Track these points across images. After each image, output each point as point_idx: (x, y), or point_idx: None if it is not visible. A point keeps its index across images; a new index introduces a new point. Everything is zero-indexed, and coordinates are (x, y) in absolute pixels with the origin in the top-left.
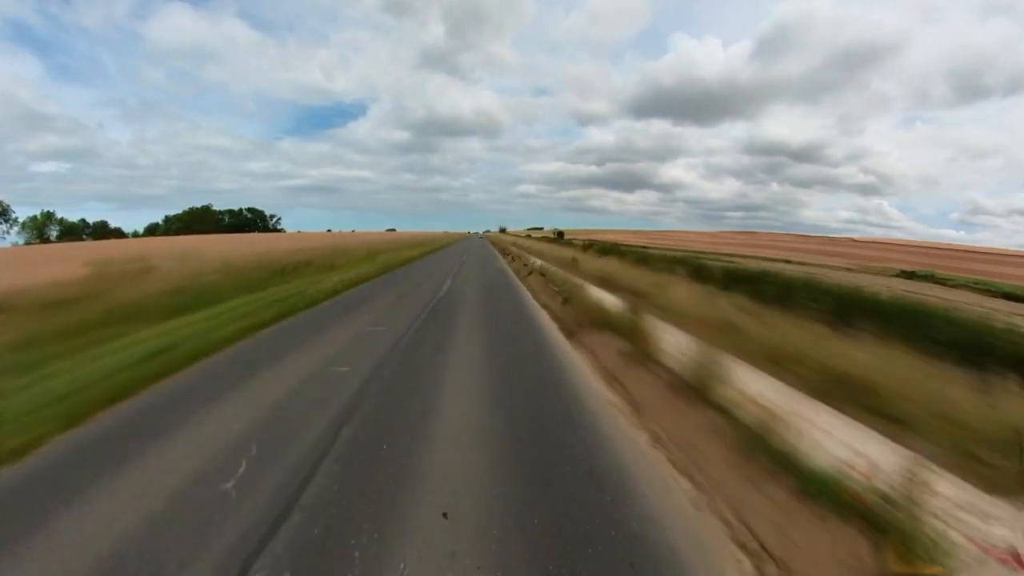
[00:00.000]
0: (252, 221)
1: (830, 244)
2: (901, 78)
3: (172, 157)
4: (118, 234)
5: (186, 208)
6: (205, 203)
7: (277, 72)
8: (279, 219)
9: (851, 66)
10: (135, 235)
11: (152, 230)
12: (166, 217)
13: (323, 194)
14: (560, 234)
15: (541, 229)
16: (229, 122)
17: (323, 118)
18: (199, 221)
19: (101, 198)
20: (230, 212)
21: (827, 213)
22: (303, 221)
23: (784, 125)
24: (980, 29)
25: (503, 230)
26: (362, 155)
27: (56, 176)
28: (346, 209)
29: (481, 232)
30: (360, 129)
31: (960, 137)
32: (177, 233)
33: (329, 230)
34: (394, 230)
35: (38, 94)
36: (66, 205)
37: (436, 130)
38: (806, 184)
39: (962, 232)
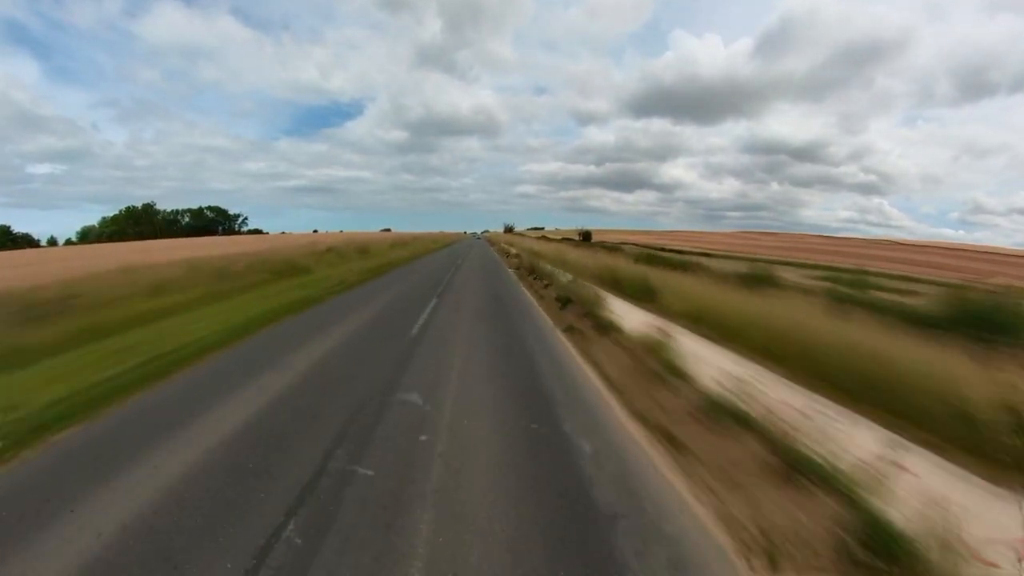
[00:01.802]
0: (214, 222)
1: (871, 247)
2: (905, 75)
3: (169, 158)
4: (28, 242)
5: (124, 208)
6: (203, 203)
7: (273, 71)
8: (245, 219)
9: (854, 64)
10: (51, 243)
11: (85, 235)
12: (103, 218)
13: (321, 195)
14: (587, 235)
15: (541, 229)
16: (226, 122)
17: (320, 118)
18: (139, 223)
19: (98, 199)
20: (190, 211)
21: (827, 213)
22: (302, 222)
23: (786, 124)
24: (985, 26)
25: (509, 229)
26: (360, 155)
27: (52, 177)
28: (345, 209)
29: (480, 232)
30: (358, 129)
31: (963, 135)
32: (110, 239)
33: (315, 231)
34: (389, 230)
35: (34, 95)
36: (64, 207)
37: (434, 130)
38: (806, 183)
39: (961, 232)
